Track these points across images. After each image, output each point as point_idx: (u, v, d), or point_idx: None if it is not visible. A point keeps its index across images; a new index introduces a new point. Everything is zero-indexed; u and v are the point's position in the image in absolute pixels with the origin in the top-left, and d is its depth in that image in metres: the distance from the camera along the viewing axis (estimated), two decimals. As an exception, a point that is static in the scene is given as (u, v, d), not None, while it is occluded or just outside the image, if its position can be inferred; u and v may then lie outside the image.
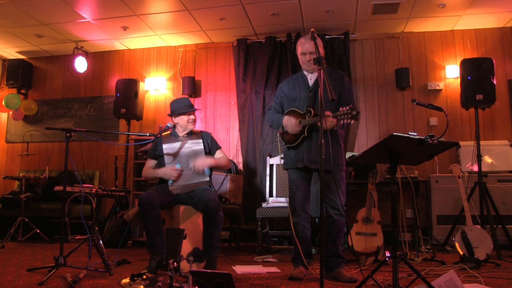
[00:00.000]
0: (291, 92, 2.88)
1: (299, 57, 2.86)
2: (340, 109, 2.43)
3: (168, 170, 3.03)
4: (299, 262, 2.75)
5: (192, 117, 3.19)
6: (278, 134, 2.99)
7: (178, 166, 3.04)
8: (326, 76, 2.21)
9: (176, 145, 3.13)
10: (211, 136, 3.30)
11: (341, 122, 2.45)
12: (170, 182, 3.04)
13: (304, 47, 2.78)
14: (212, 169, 3.20)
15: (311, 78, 2.85)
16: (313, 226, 3.00)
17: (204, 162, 3.05)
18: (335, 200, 2.70)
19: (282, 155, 3.80)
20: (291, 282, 2.63)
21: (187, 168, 3.07)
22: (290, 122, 2.73)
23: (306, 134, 2.69)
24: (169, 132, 3.25)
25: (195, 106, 5.37)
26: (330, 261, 2.74)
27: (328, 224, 2.75)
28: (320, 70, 2.23)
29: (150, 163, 3.26)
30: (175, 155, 3.10)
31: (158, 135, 3.11)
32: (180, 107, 3.18)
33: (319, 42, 2.75)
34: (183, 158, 3.10)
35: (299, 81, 2.88)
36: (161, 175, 3.10)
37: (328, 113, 2.51)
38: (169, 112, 3.23)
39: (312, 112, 2.65)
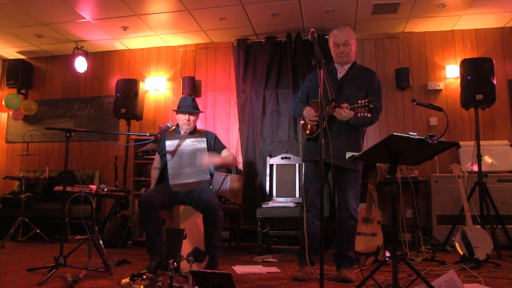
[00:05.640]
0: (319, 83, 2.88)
1: (332, 49, 2.82)
2: (359, 101, 2.42)
3: None
4: (304, 261, 2.72)
5: (186, 117, 3.14)
6: (300, 125, 2.96)
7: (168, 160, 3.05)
8: (326, 76, 2.22)
9: (179, 142, 3.13)
10: (215, 137, 3.28)
11: (358, 115, 2.44)
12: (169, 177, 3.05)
13: (338, 38, 2.74)
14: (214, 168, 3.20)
15: (340, 72, 2.83)
16: (325, 226, 2.95)
17: (211, 159, 3.07)
18: (346, 200, 2.68)
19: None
20: (291, 282, 2.62)
21: (188, 166, 3.07)
22: (308, 113, 2.72)
23: (324, 125, 2.67)
24: (173, 128, 3.25)
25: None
26: (336, 260, 2.77)
27: (338, 224, 2.76)
28: (320, 70, 2.22)
29: (157, 158, 3.33)
30: (177, 152, 3.11)
31: (158, 135, 3.11)
32: (181, 105, 3.19)
33: (351, 34, 2.77)
34: (185, 156, 3.10)
35: (328, 73, 2.83)
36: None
37: (345, 104, 2.51)
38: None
39: (333, 104, 2.56)
